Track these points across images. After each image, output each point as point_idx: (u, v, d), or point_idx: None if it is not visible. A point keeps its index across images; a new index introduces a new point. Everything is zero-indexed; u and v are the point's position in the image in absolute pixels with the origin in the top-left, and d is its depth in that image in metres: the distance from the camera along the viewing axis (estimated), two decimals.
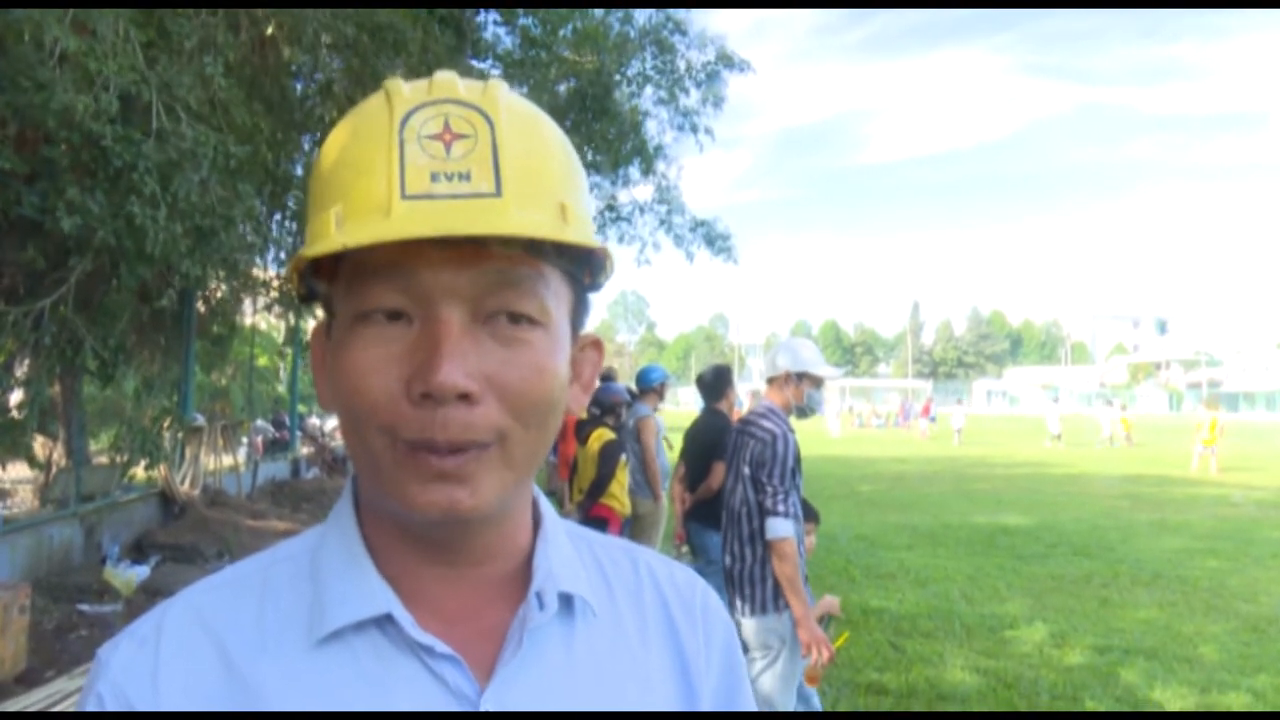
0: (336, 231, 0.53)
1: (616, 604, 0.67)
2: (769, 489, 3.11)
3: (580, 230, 0.56)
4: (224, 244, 5.04)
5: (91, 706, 0.57)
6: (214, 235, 4.81)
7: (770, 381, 3.37)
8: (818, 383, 3.39)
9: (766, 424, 3.23)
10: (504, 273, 0.55)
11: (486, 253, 0.54)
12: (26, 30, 3.91)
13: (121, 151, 4.16)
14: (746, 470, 3.22)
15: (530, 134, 0.57)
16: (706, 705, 0.68)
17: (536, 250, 0.55)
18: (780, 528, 3.07)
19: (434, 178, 0.52)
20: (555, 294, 0.58)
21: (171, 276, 5.19)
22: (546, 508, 0.68)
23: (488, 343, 0.55)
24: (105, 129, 4.11)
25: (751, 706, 0.73)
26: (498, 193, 0.53)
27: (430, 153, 0.53)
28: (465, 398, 0.53)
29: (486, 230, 0.51)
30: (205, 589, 0.62)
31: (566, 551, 0.66)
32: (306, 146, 7.93)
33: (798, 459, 3.18)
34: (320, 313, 0.62)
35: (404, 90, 0.56)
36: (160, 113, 4.46)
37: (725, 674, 0.71)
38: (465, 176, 0.53)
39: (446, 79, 0.57)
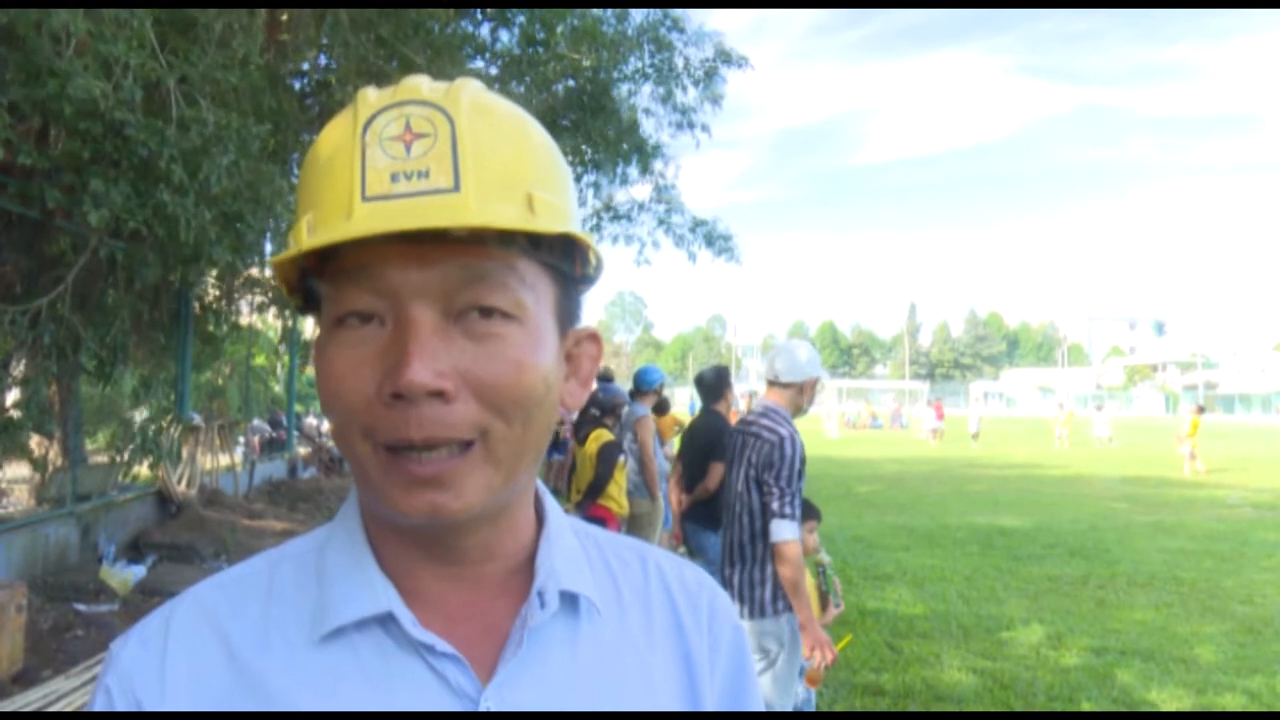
0: (307, 237, 0.54)
1: (623, 603, 0.67)
2: (775, 491, 3.09)
3: (549, 220, 0.56)
4: (252, 228, 5.03)
5: (100, 699, 0.58)
6: (242, 219, 4.80)
7: (785, 385, 3.34)
8: (820, 384, 3.43)
9: (772, 425, 3.21)
10: (471, 267, 0.54)
11: (451, 248, 0.54)
12: (41, 21, 3.90)
13: (146, 140, 4.15)
14: (751, 472, 3.20)
15: (495, 127, 0.57)
16: (711, 707, 0.67)
17: (505, 242, 0.55)
18: (785, 530, 3.05)
19: (394, 178, 0.53)
20: (531, 287, 0.57)
21: (174, 275, 5.19)
22: (552, 506, 0.68)
23: (460, 340, 0.55)
24: (128, 117, 4.10)
25: (759, 708, 0.72)
26: (455, 188, 0.53)
27: (391, 154, 0.54)
28: (439, 395, 0.53)
29: (438, 223, 0.51)
30: (212, 586, 0.63)
31: (571, 550, 0.66)
32: (313, 138, 7.93)
33: (804, 461, 3.17)
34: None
35: (370, 96, 0.57)
36: (179, 100, 4.46)
37: (732, 675, 0.70)
38: (424, 174, 0.53)
39: (413, 82, 0.57)
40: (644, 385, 6.35)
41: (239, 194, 4.71)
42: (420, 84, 0.57)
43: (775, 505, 3.08)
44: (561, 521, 0.68)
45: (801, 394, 3.33)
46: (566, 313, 0.62)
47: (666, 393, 8.44)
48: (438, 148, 0.54)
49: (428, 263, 0.54)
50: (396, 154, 0.53)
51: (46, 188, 4.30)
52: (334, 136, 0.57)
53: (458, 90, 0.56)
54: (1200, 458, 17.79)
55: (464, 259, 0.54)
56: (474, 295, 0.55)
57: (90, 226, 4.18)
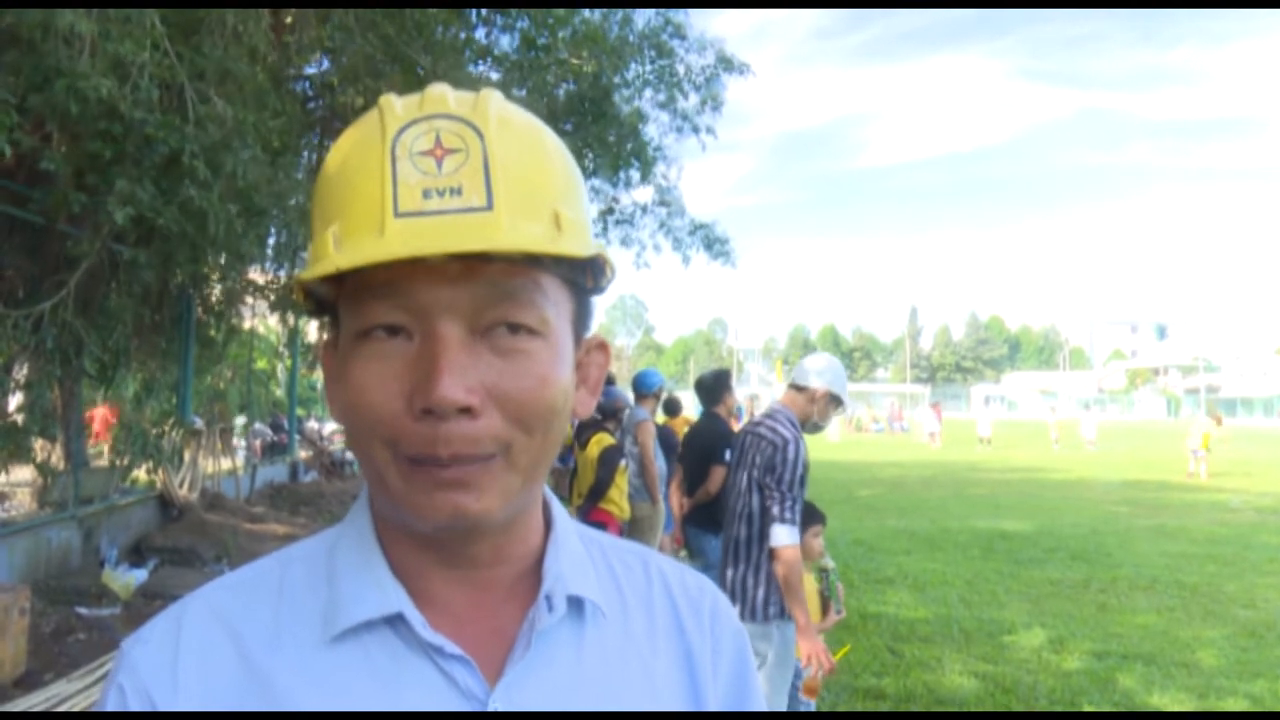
0: (334, 251, 0.54)
1: (627, 607, 0.68)
2: (777, 495, 3.06)
3: (575, 238, 0.56)
4: (275, 220, 5.03)
5: (113, 698, 0.58)
6: (265, 213, 4.79)
7: (800, 389, 3.31)
8: (840, 407, 3.38)
9: (777, 428, 3.19)
10: (500, 285, 0.55)
11: (482, 266, 0.54)
12: (47, 23, 3.90)
13: (166, 137, 4.15)
14: (755, 473, 3.17)
15: (523, 143, 0.57)
16: (713, 709, 0.68)
17: (532, 261, 0.56)
18: (785, 536, 3.03)
19: (426, 194, 0.53)
20: (554, 303, 0.58)
21: (175, 277, 5.18)
22: (559, 511, 0.69)
23: (487, 355, 0.55)
24: (147, 116, 4.11)
25: (761, 710, 0.73)
26: (489, 206, 0.53)
27: (422, 169, 0.53)
28: (467, 411, 0.54)
29: (476, 246, 0.51)
30: (223, 586, 0.63)
31: (577, 554, 0.67)
32: (316, 140, 7.97)
33: (807, 466, 3.14)
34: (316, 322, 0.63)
35: (396, 107, 0.56)
36: (194, 99, 4.47)
37: (734, 680, 0.71)
38: (457, 191, 0.53)
39: (438, 93, 0.57)
40: (644, 389, 6.34)
41: (259, 187, 4.71)
42: (446, 95, 0.57)
43: (775, 510, 3.05)
44: (568, 526, 0.69)
45: (812, 403, 3.28)
46: (581, 324, 0.63)
47: (674, 396, 8.47)
48: (470, 164, 0.54)
49: (458, 280, 0.54)
50: (428, 169, 0.53)
51: (71, 192, 4.30)
52: (358, 146, 0.56)
53: (485, 104, 0.57)
54: (1207, 462, 17.79)
55: (494, 277, 0.55)
56: (502, 312, 0.55)
57: (106, 227, 4.18)
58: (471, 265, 0.54)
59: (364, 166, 0.55)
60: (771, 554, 3.08)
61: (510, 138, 0.56)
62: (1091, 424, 28.03)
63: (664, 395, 6.96)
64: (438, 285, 0.54)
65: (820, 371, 3.31)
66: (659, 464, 6.03)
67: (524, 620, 0.62)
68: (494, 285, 0.55)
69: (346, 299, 0.57)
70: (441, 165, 0.54)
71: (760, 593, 3.12)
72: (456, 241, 0.52)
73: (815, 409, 3.29)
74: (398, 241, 0.52)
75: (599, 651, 0.64)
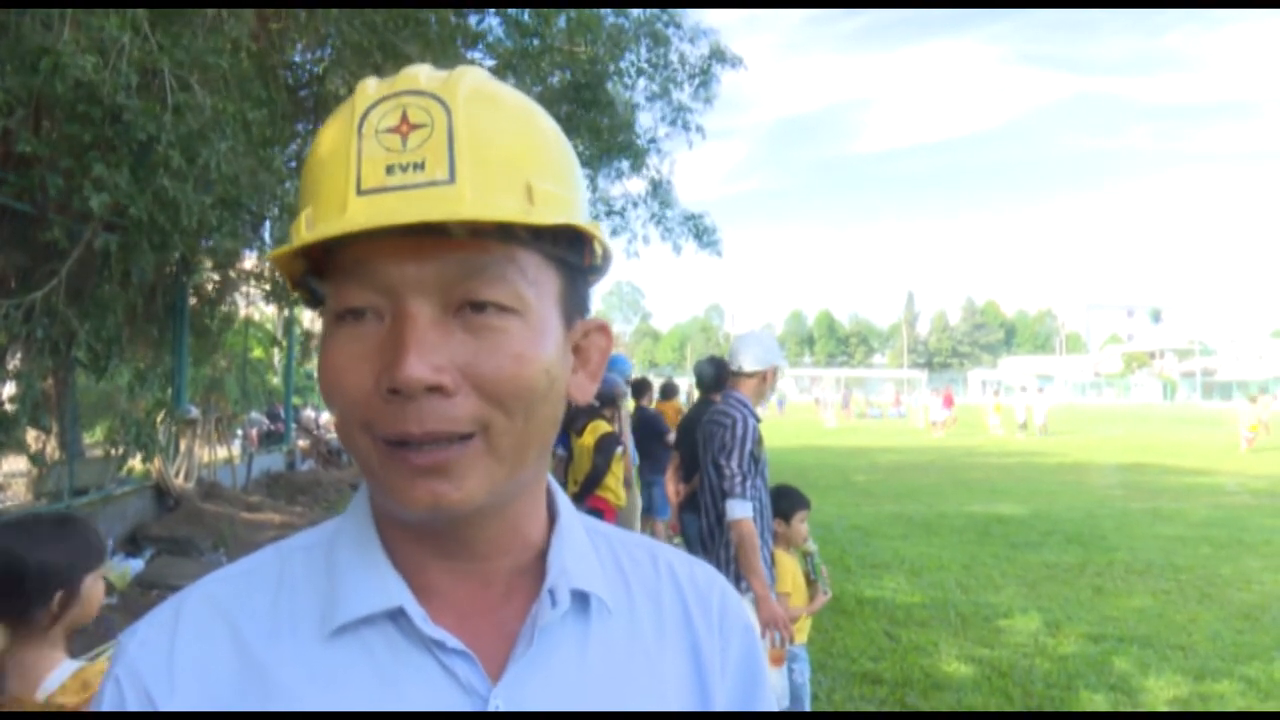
0: (305, 232, 0.54)
1: (633, 602, 0.67)
2: (727, 471, 3.21)
3: (550, 211, 0.55)
4: (253, 214, 5.00)
5: (109, 690, 0.58)
6: (242, 206, 4.76)
7: (748, 376, 3.47)
8: (780, 370, 3.59)
9: (727, 409, 3.35)
10: (469, 260, 0.54)
11: (448, 242, 0.53)
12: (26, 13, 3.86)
13: (145, 124, 4.12)
14: (712, 456, 3.34)
15: (495, 116, 0.56)
16: (721, 707, 0.67)
17: (504, 235, 0.54)
18: (738, 509, 3.17)
19: (389, 170, 0.52)
20: (533, 280, 0.57)
21: (172, 264, 5.15)
22: (564, 503, 0.68)
23: (459, 334, 0.54)
24: (126, 102, 4.08)
25: (770, 709, 0.72)
26: (451, 179, 0.52)
27: (386, 146, 0.53)
28: (438, 390, 0.52)
29: (432, 216, 0.50)
30: (223, 578, 0.63)
31: (583, 548, 0.66)
32: (309, 128, 7.92)
33: (758, 443, 3.28)
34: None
35: (369, 88, 0.56)
36: (173, 87, 4.43)
37: (742, 677, 0.70)
38: (419, 166, 0.52)
39: (412, 72, 0.56)
40: None
41: (237, 180, 4.69)
42: (419, 73, 0.56)
43: (727, 485, 3.21)
44: (573, 519, 0.67)
45: (764, 382, 3.48)
46: (573, 305, 0.61)
47: (670, 381, 8.52)
48: (434, 139, 0.53)
49: (424, 257, 0.53)
50: (392, 146, 0.53)
51: (49, 175, 4.26)
52: (333, 129, 0.56)
53: (456, 79, 0.56)
54: (1254, 440, 18.95)
55: (462, 252, 0.53)
56: (472, 289, 0.54)
57: (89, 214, 4.15)
58: (437, 241, 0.53)
59: (335, 148, 0.55)
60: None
61: (482, 111, 0.55)
62: (1042, 408, 27.57)
63: (630, 380, 7.02)
64: (404, 262, 0.53)
65: (758, 355, 3.48)
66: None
67: (527, 615, 0.60)
68: (463, 261, 0.54)
69: (327, 285, 0.57)
70: (406, 141, 0.53)
71: (730, 570, 3.25)
72: (413, 213, 0.50)
73: (767, 386, 3.51)
74: (360, 218, 0.51)
75: (604, 648, 0.63)
